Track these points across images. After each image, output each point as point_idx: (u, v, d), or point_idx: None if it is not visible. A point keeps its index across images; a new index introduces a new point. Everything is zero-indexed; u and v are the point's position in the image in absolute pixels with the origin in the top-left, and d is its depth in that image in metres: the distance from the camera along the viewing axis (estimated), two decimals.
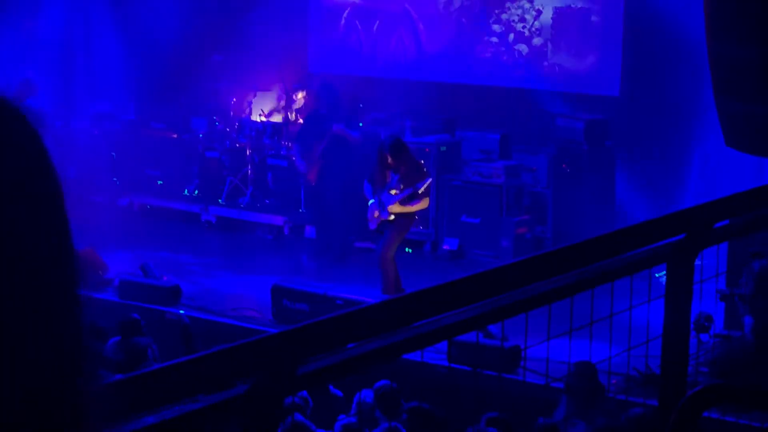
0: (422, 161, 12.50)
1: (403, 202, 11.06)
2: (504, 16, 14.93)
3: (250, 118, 15.85)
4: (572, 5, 14.37)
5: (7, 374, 1.12)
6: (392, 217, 11.11)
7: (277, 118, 15.98)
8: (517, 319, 3.01)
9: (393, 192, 11.06)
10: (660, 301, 3.43)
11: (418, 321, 2.53)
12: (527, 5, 14.74)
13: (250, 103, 15.99)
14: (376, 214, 11.15)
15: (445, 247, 13.63)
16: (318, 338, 2.29)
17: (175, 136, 16.07)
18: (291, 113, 15.70)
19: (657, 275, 3.59)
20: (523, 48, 14.84)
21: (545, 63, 14.71)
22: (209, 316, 11.32)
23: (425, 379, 8.71)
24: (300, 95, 15.67)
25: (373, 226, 11.35)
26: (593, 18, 14.25)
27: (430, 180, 11.20)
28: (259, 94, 16.05)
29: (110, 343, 9.49)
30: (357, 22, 16.16)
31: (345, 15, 16.25)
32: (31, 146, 1.20)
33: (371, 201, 11.22)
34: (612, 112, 13.71)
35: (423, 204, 11.32)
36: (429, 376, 8.89)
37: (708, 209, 3.42)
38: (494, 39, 15.03)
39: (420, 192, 11.03)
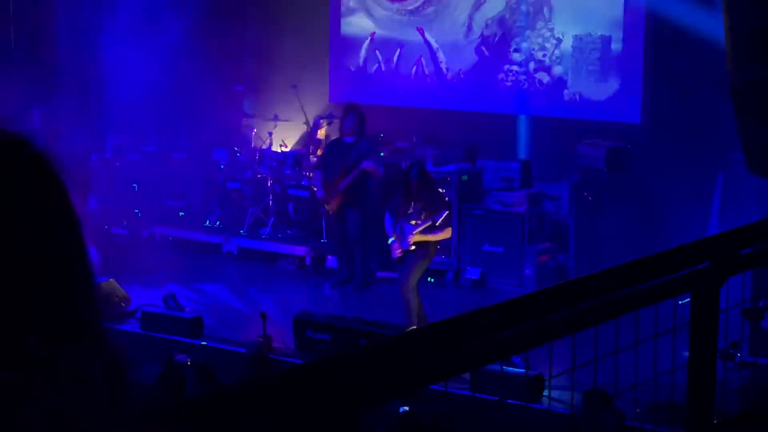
0: (443, 192, 12.44)
1: (423, 232, 11.02)
2: (524, 45, 14.94)
3: (270, 148, 15.87)
4: (592, 33, 14.36)
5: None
6: (413, 247, 11.07)
7: (298, 148, 16.01)
8: (541, 348, 2.98)
9: (413, 222, 11.03)
10: (686, 329, 3.39)
11: (442, 351, 2.50)
12: (547, 34, 14.74)
13: (271, 133, 16.01)
14: (399, 251, 11.11)
15: (467, 276, 13.59)
16: (342, 372, 2.27)
17: (194, 167, 16.10)
18: (312, 143, 15.71)
19: (680, 302, 3.55)
20: (543, 76, 14.83)
21: (566, 91, 14.70)
22: (231, 347, 11.30)
23: (449, 409, 8.66)
24: (322, 125, 15.69)
25: (395, 255, 11.31)
26: (613, 45, 14.24)
27: (446, 213, 11.08)
28: (279, 124, 16.08)
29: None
30: (377, 51, 16.20)
31: (365, 45, 16.29)
32: (46, 179, 1.27)
33: (391, 239, 11.18)
34: (634, 139, 13.66)
35: (445, 234, 11.25)
36: (452, 406, 8.84)
37: (733, 236, 3.38)
38: (515, 67, 15.04)
39: (437, 224, 10.97)
